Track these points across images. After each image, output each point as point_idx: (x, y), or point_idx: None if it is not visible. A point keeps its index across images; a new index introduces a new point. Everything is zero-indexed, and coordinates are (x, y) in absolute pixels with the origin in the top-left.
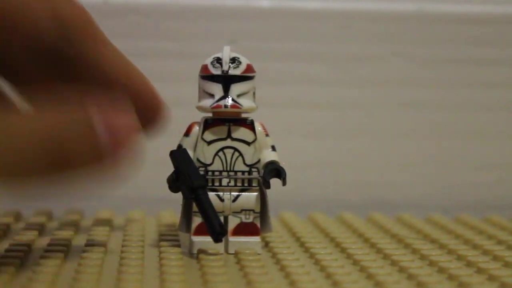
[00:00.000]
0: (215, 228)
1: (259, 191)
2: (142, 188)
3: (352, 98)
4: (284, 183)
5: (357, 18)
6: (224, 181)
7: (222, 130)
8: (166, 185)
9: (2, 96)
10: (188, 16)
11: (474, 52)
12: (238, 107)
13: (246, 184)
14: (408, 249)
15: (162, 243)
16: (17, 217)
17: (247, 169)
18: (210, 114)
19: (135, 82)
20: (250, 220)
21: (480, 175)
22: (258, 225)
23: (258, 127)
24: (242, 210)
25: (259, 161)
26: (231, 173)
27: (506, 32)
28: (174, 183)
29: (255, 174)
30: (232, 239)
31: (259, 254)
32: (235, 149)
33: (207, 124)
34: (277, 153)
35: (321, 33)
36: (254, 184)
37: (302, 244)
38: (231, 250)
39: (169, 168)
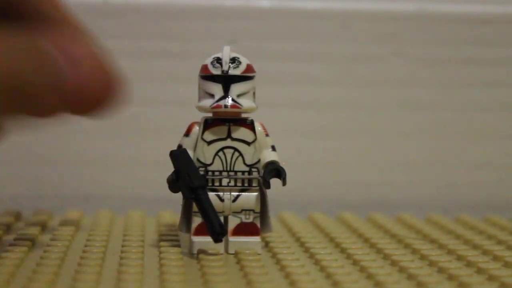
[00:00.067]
0: (215, 228)
1: (259, 191)
2: (142, 188)
3: (352, 98)
4: (284, 183)
5: (357, 18)
6: (224, 181)
7: (222, 130)
8: (166, 185)
9: None
10: (188, 16)
11: (474, 52)
12: (238, 107)
13: (246, 184)
14: (408, 249)
15: (162, 243)
16: (17, 216)
17: (247, 169)
18: (210, 114)
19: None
20: (250, 220)
21: (480, 175)
22: (258, 225)
23: (258, 127)
24: (242, 210)
25: (259, 161)
26: (231, 173)
27: (506, 32)
28: (174, 183)
29: (255, 174)
30: (232, 239)
31: (259, 254)
32: (235, 149)
33: (207, 124)
34: (277, 153)
35: (321, 33)
36: (254, 184)
37: (302, 244)
38: (231, 250)
39: (169, 168)
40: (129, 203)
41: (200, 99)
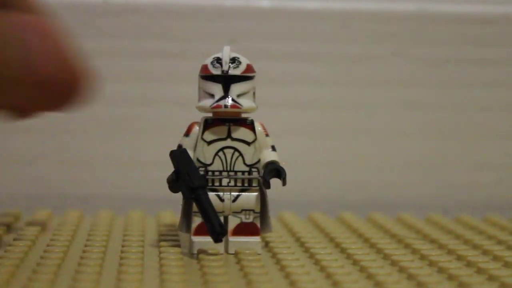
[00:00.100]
0: (215, 228)
1: (259, 191)
2: (142, 188)
3: (352, 98)
4: (284, 183)
5: (357, 18)
6: (224, 181)
7: (222, 130)
8: (166, 185)
9: None
10: (188, 16)
11: (474, 52)
12: (238, 107)
13: (246, 184)
14: (408, 249)
15: (162, 243)
16: (17, 217)
17: (247, 169)
18: (210, 114)
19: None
20: (250, 220)
21: (480, 175)
22: (258, 225)
23: (258, 127)
24: (242, 210)
25: (259, 161)
26: (231, 173)
27: (506, 32)
28: (174, 183)
29: (255, 174)
30: (232, 239)
31: (259, 254)
32: (235, 149)
33: (207, 124)
34: (277, 153)
35: (321, 33)
36: (254, 184)
37: (302, 244)
38: (231, 250)
39: (169, 168)
40: (129, 203)
41: (200, 99)
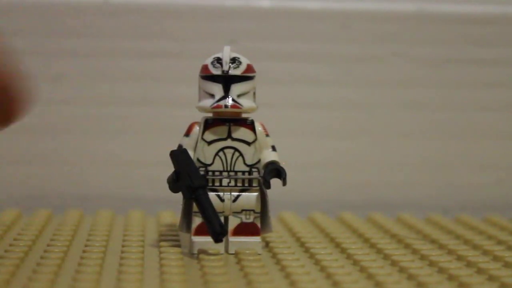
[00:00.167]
0: (216, 228)
1: (259, 191)
2: (142, 188)
3: (352, 98)
4: (284, 183)
5: (357, 18)
6: (225, 181)
7: (223, 130)
8: (166, 185)
9: None
10: (188, 16)
11: (474, 52)
12: (238, 107)
13: (246, 184)
14: (408, 249)
15: (162, 243)
16: (17, 217)
17: (247, 169)
18: (210, 114)
19: None
20: (251, 220)
21: (480, 175)
22: (259, 225)
23: (258, 127)
24: (242, 210)
25: (259, 161)
26: (231, 173)
27: (506, 32)
28: (174, 183)
29: (255, 174)
30: (232, 239)
31: (259, 254)
32: (236, 149)
33: (207, 124)
34: (277, 153)
35: (321, 33)
36: (254, 184)
37: (302, 244)
38: (232, 250)
39: (169, 168)
40: (129, 203)
41: (200, 99)
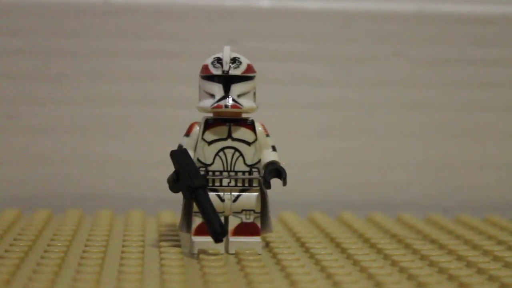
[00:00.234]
0: (216, 228)
1: (259, 191)
2: (142, 188)
3: (352, 98)
4: (284, 183)
5: (357, 18)
6: (225, 181)
7: (223, 130)
8: (166, 185)
9: None
10: (188, 16)
11: (474, 52)
12: (238, 107)
13: (246, 184)
14: (408, 249)
15: (162, 243)
16: (17, 217)
17: (247, 169)
18: (210, 114)
19: None
20: (251, 220)
21: (480, 175)
22: (259, 225)
23: (258, 127)
24: (242, 210)
25: (259, 161)
26: (232, 173)
27: (506, 32)
28: (174, 183)
29: (255, 174)
30: (232, 239)
31: (259, 254)
32: (236, 149)
33: (208, 124)
34: (278, 153)
35: (321, 33)
36: (254, 184)
37: (302, 244)
38: (232, 250)
39: (169, 168)
40: (129, 203)
41: (200, 99)
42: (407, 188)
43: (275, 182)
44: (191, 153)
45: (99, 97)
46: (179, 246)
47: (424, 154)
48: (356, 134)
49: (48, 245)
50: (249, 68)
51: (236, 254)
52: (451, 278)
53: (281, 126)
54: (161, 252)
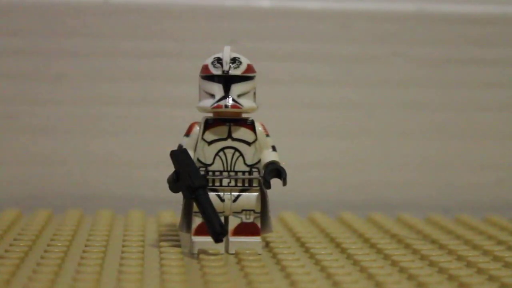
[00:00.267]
0: (216, 228)
1: (259, 191)
2: (142, 188)
3: (352, 98)
4: (284, 183)
5: (357, 18)
6: (225, 181)
7: (223, 130)
8: (166, 185)
9: None
10: (188, 16)
11: (474, 52)
12: (238, 107)
13: (246, 184)
14: (408, 249)
15: (162, 243)
16: (17, 217)
17: (247, 169)
18: (210, 114)
19: None
20: (251, 220)
21: (480, 175)
22: (259, 225)
23: (258, 127)
24: (242, 210)
25: (259, 161)
26: (232, 173)
27: (506, 32)
28: (174, 183)
29: (255, 174)
30: (232, 239)
31: (259, 254)
32: (236, 149)
33: (208, 124)
34: (278, 153)
35: (321, 33)
36: (254, 184)
37: (302, 244)
38: (232, 250)
39: (169, 168)
40: (129, 203)
41: (200, 99)
42: (407, 188)
43: (275, 182)
44: (191, 153)
45: (99, 97)
46: (179, 246)
47: (424, 154)
48: (356, 134)
49: (48, 245)
50: (249, 68)
51: (236, 254)
52: (451, 278)
53: (281, 126)
54: (161, 252)
